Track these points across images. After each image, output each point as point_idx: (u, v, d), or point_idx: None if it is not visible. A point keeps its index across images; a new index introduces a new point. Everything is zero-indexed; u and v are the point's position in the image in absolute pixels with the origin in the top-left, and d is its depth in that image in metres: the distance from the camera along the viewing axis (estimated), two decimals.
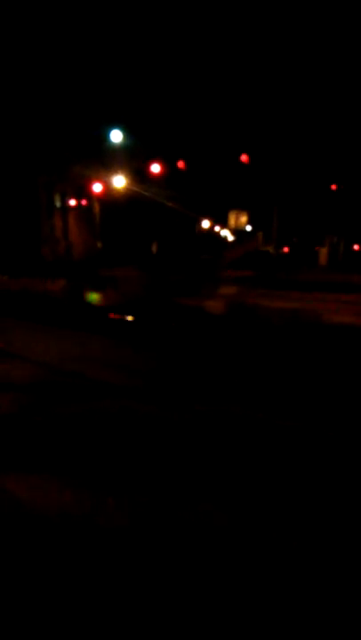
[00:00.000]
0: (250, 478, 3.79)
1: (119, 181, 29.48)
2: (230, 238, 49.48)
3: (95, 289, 16.93)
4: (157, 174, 28.80)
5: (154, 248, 40.01)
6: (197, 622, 2.40)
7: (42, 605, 2.50)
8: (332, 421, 5.01)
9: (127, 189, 30.69)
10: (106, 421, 4.97)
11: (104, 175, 29.59)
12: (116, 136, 27.13)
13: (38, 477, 3.79)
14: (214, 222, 46.36)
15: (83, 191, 32.82)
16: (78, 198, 34.39)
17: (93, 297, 16.21)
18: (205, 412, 5.24)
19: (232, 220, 47.13)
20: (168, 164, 28.83)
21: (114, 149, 28.65)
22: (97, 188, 29.98)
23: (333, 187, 35.46)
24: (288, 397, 5.82)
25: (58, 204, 35.05)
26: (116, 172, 29.21)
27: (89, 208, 34.98)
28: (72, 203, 34.97)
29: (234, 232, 48.10)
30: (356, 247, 40.53)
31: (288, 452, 4.26)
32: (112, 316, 12.37)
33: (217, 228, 48.75)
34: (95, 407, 5.38)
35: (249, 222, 46.14)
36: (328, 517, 3.29)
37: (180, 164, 29.79)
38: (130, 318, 12.00)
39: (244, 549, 2.91)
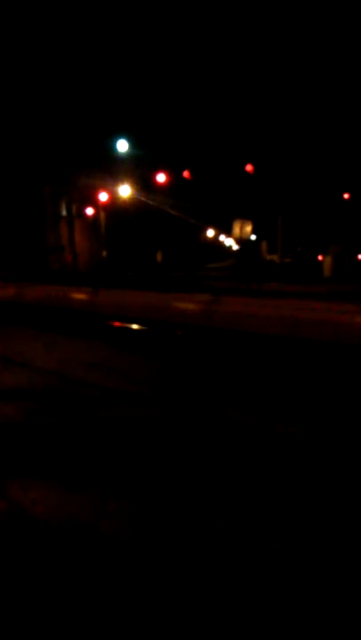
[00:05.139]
0: (252, 484, 3.80)
1: (125, 191, 29.57)
2: (235, 247, 49.55)
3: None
4: (163, 183, 28.85)
5: (159, 256, 40.04)
6: (198, 627, 2.42)
7: (44, 610, 2.53)
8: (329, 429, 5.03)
9: (133, 198, 30.76)
10: (110, 427, 4.99)
11: (110, 185, 29.66)
12: (122, 146, 27.12)
13: (42, 484, 3.80)
14: (219, 231, 46.47)
15: (88, 200, 32.88)
16: (84, 207, 34.46)
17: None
18: (208, 418, 5.27)
19: (237, 230, 47.18)
20: (174, 174, 28.91)
21: (120, 159, 28.62)
22: (103, 197, 30.05)
23: (339, 196, 35.48)
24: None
25: (64, 213, 35.10)
26: (121, 181, 29.28)
27: (94, 217, 34.95)
28: (78, 212, 35.00)
29: (238, 241, 48.12)
30: (360, 257, 40.46)
31: (290, 458, 4.27)
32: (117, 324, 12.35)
33: (221, 237, 48.89)
34: (99, 414, 5.41)
35: (253, 232, 46.15)
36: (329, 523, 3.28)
37: (186, 174, 29.86)
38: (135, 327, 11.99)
39: (246, 556, 2.92)
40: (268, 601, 2.58)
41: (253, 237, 46.84)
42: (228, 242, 50.67)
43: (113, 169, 29.58)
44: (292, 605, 2.55)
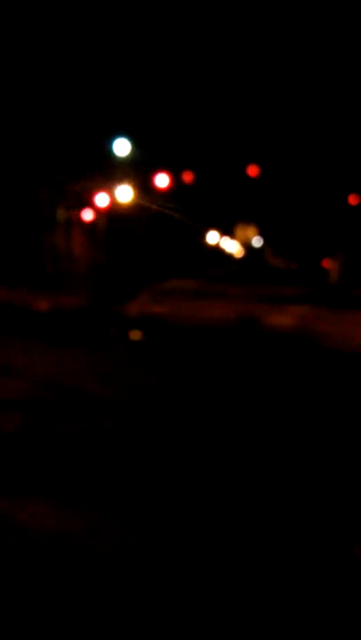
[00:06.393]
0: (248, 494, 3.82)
1: (125, 194, 28.70)
2: (237, 252, 48.55)
3: None
4: (164, 187, 28.13)
5: (160, 262, 39.36)
6: None
7: (40, 628, 2.40)
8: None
9: (132, 202, 29.97)
10: (103, 440, 4.99)
11: (108, 188, 28.94)
12: (122, 148, 26.60)
13: (35, 500, 3.72)
14: (221, 236, 45.56)
15: (86, 205, 32.31)
16: (82, 212, 33.89)
17: None
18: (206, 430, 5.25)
19: (239, 234, 46.27)
20: (175, 176, 28.10)
21: (119, 162, 28.08)
22: (101, 201, 29.36)
23: (345, 201, 34.62)
24: None
25: (61, 218, 34.59)
26: (120, 184, 28.49)
27: (93, 222, 34.47)
28: (75, 217, 34.50)
29: (241, 246, 47.22)
30: None
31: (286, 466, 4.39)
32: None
33: (223, 242, 47.90)
34: (93, 425, 5.39)
35: (258, 236, 45.27)
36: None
37: (188, 176, 29.05)
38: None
39: (242, 572, 2.84)
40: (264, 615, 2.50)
41: (260, 242, 45.97)
42: (230, 247, 49.63)
43: (111, 172, 28.93)
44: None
